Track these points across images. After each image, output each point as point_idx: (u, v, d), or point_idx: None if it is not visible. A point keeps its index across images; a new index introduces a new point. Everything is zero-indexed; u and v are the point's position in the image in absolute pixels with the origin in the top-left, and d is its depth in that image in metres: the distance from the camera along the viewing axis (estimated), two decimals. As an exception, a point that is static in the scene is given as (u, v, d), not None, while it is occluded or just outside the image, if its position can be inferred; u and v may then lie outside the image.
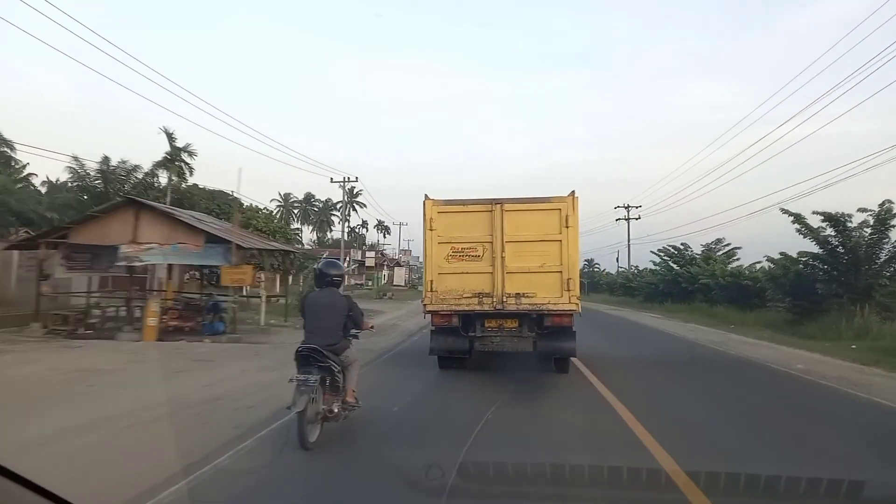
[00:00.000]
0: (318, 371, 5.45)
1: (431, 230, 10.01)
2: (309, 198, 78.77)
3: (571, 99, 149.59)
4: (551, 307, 9.71)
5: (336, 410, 5.62)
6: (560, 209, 9.80)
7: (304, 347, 5.55)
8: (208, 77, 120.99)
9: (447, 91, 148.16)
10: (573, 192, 9.88)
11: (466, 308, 9.86)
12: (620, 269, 60.70)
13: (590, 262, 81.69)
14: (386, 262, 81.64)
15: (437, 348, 10.27)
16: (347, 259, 63.28)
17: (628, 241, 55.64)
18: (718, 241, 40.32)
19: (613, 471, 4.72)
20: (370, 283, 65.50)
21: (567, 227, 9.73)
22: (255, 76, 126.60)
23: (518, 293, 9.75)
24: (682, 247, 40.81)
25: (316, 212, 79.84)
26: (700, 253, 40.15)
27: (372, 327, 6.93)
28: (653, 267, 45.94)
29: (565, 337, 10.04)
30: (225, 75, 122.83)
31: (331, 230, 78.92)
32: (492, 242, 9.87)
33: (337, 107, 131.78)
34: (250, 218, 31.03)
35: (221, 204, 31.29)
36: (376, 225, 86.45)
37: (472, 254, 9.96)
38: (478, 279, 9.87)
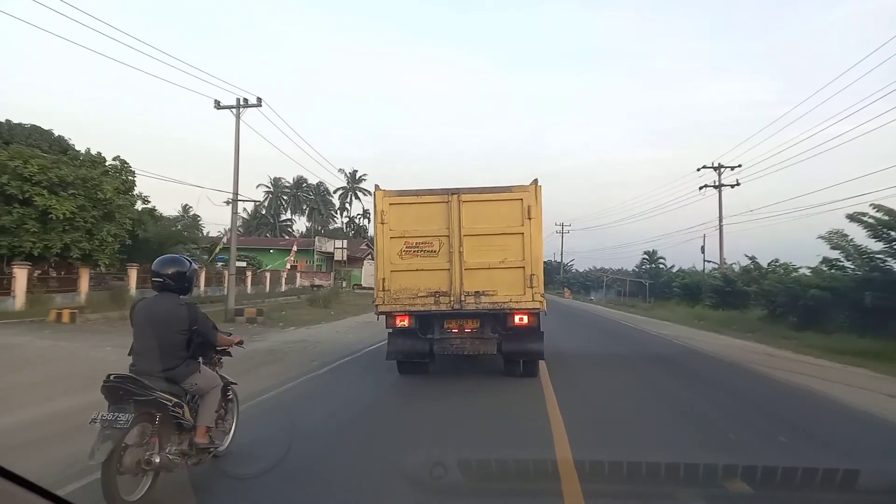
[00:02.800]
0: (136, 407, 4.07)
1: (383, 223, 9.18)
2: (300, 182, 72.16)
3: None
4: (513, 306, 8.92)
5: (160, 460, 4.16)
6: (522, 199, 8.98)
7: (113, 377, 4.12)
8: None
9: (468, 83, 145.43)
10: (536, 180, 9.05)
11: (422, 308, 9.07)
12: (710, 264, 38.49)
13: (651, 255, 64.89)
14: (371, 255, 71.17)
15: (394, 352, 9.49)
16: (315, 250, 56.05)
17: (720, 219, 35.29)
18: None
19: (501, 463, 4.88)
20: (343, 283, 51.46)
21: (530, 218, 8.92)
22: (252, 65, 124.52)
23: (477, 291, 8.95)
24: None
25: (309, 199, 73.59)
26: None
27: (240, 342, 5.36)
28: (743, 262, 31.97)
29: (531, 338, 9.28)
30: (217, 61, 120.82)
31: (327, 218, 73.73)
32: (449, 236, 9.05)
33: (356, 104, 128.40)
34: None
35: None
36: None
37: (427, 249, 9.14)
38: (434, 277, 9.07)
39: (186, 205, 54.19)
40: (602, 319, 30.41)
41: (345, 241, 56.64)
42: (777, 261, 29.04)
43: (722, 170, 35.52)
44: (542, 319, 9.39)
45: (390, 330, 9.44)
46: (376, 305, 9.21)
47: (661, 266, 62.06)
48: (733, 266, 34.84)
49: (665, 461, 4.96)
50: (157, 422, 4.21)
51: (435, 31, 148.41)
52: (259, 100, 23.55)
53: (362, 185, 72.05)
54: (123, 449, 3.93)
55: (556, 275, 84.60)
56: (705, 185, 36.18)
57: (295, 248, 50.79)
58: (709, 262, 38.31)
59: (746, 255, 29.01)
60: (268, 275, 44.46)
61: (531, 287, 8.85)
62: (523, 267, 8.92)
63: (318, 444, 5.81)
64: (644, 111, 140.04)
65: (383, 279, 9.13)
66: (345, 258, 52.87)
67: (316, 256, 58.20)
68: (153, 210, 28.61)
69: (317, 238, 60.08)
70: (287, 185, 72.82)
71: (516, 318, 9.04)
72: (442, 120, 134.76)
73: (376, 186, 9.39)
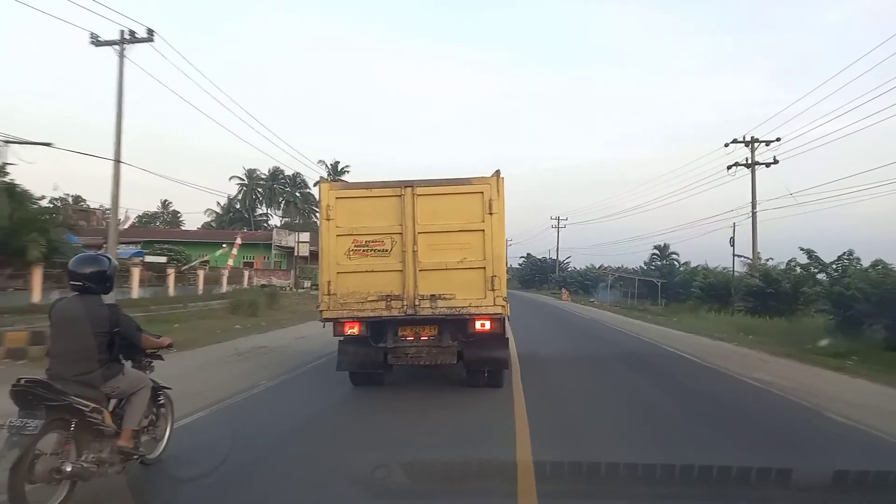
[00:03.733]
0: (49, 413, 3.86)
1: (328, 220, 8.25)
2: (277, 174, 67.52)
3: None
4: (473, 311, 8.05)
5: (71, 468, 3.90)
6: (482, 192, 8.11)
7: (24, 381, 3.90)
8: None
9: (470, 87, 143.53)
10: (498, 171, 8.18)
11: (372, 314, 8.16)
12: (742, 260, 31.17)
13: (662, 251, 55.66)
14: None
15: (344, 362, 8.60)
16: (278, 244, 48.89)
17: (753, 205, 29.72)
18: None
19: (460, 465, 4.92)
20: (306, 282, 44.83)
21: (491, 213, 8.05)
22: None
23: (433, 295, 8.06)
24: None
25: (285, 192, 69.05)
26: None
27: (169, 345, 5.12)
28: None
29: (495, 345, 8.45)
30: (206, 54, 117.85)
31: (308, 213, 67.03)
32: (402, 234, 8.15)
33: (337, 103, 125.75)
34: None
35: None
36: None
37: (378, 248, 8.23)
38: (385, 278, 8.17)
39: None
40: (614, 332, 21.51)
41: (307, 235, 48.49)
42: (851, 253, 21.05)
43: (756, 145, 29.47)
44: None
45: (340, 338, 8.57)
46: (321, 311, 8.29)
47: (674, 262, 53.67)
48: (768, 262, 29.15)
49: None
50: (72, 428, 4.00)
51: (440, 29, 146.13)
52: (150, 32, 19.59)
53: (345, 177, 64.61)
54: (36, 457, 3.76)
55: (551, 273, 79.42)
56: (735, 164, 29.86)
57: (238, 240, 41.26)
58: (739, 256, 31.04)
59: (802, 248, 22.41)
60: (201, 273, 36.89)
61: (493, 290, 7.99)
62: (484, 268, 8.05)
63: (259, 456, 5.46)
64: (646, 107, 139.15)
65: (329, 282, 8.21)
66: (307, 253, 45.15)
67: (275, 252, 50.37)
68: (13, 187, 20.28)
69: (275, 230, 52.20)
70: (263, 177, 68.71)
71: (478, 324, 8.19)
72: (439, 115, 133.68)
73: (321, 178, 8.55)
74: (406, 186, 8.19)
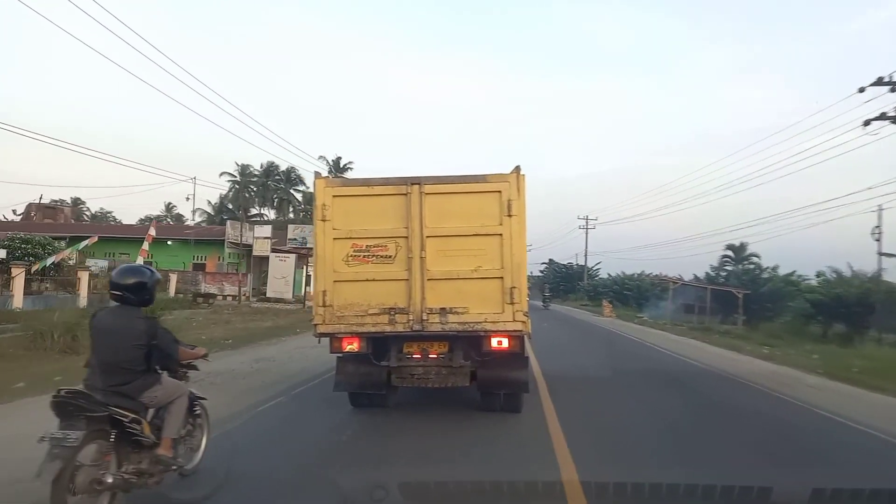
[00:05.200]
0: (89, 424, 3.88)
1: (324, 220, 7.23)
2: (271, 171, 63.32)
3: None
4: (489, 327, 7.04)
5: (112, 479, 3.98)
6: (500, 191, 7.10)
7: (64, 392, 3.94)
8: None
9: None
10: (518, 167, 7.17)
11: (373, 329, 7.16)
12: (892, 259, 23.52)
13: (738, 251, 43.93)
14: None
15: (343, 383, 7.63)
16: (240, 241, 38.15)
17: None
18: None
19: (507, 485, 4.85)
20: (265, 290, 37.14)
21: (510, 215, 7.04)
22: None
23: (443, 308, 7.06)
24: None
25: (279, 189, 64.25)
26: None
27: (205, 355, 5.10)
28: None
29: (513, 365, 7.45)
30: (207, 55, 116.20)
31: (306, 214, 60.07)
32: (407, 237, 7.14)
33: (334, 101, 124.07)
34: None
35: None
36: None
37: (380, 253, 7.22)
38: (389, 288, 7.16)
39: None
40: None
41: (269, 229, 40.97)
42: None
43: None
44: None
45: (338, 354, 7.57)
46: (315, 325, 7.29)
47: (755, 267, 41.95)
48: None
49: None
50: (111, 439, 4.07)
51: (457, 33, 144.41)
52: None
53: (348, 174, 59.18)
54: (77, 468, 3.80)
55: (579, 282, 68.58)
56: (882, 117, 18.12)
57: (151, 232, 27.40)
58: (889, 255, 22.17)
59: None
60: (83, 277, 25.93)
61: (511, 303, 6.98)
62: (501, 277, 7.04)
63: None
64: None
65: (324, 291, 7.20)
66: (267, 252, 36.88)
67: (228, 251, 39.34)
68: None
69: (229, 223, 41.17)
70: (256, 174, 64.69)
71: (494, 342, 7.20)
72: (461, 117, 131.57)
73: (316, 174, 7.49)
74: (413, 184, 7.18)
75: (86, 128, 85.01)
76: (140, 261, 28.80)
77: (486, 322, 7.02)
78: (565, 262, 78.88)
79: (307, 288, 34.63)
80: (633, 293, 50.78)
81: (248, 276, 37.56)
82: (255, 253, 37.61)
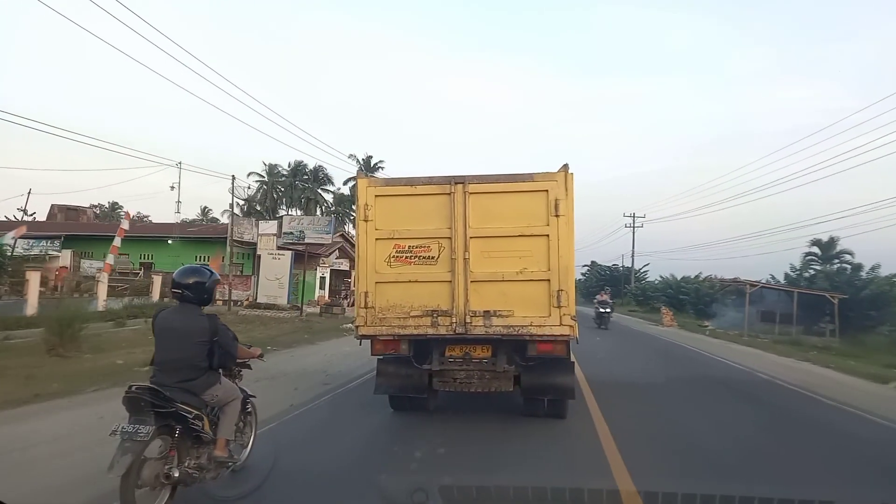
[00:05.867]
0: (156, 419, 4.06)
1: (366, 221, 7.12)
2: (299, 170, 62.20)
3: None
4: (535, 331, 6.84)
5: (179, 473, 4.12)
6: (548, 191, 6.89)
7: (135, 388, 4.14)
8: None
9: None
10: (566, 165, 6.96)
11: (415, 332, 7.02)
12: None
13: (826, 248, 39.35)
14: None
15: (384, 385, 7.53)
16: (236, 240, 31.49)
17: None
18: None
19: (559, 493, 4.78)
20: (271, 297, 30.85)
21: (557, 216, 6.83)
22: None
23: (487, 311, 6.88)
24: None
25: (307, 188, 62.68)
26: None
27: (261, 355, 5.37)
28: None
29: (559, 371, 7.25)
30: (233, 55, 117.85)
31: (341, 218, 59.15)
32: (451, 238, 6.99)
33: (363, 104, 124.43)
34: None
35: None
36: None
37: (423, 254, 7.08)
38: (431, 290, 7.02)
39: None
40: None
41: (274, 225, 35.19)
42: None
43: None
44: None
45: (379, 357, 7.46)
46: (357, 327, 7.18)
47: (848, 266, 36.30)
48: None
49: None
50: (176, 434, 4.23)
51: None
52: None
53: (379, 174, 56.36)
54: (142, 462, 3.94)
55: (626, 285, 63.35)
56: None
57: (123, 226, 25.35)
58: None
59: None
60: (33, 278, 20.11)
61: (559, 307, 6.77)
62: (548, 280, 6.83)
63: None
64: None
65: (366, 293, 7.09)
66: (273, 251, 31.63)
67: (231, 250, 32.76)
68: None
69: (233, 217, 35.22)
70: (284, 173, 63.88)
71: (541, 347, 7.00)
72: (501, 121, 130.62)
73: (359, 173, 7.39)
74: (456, 183, 7.02)
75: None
76: (111, 259, 25.49)
77: (531, 326, 6.82)
78: (609, 264, 75.36)
79: (326, 291, 33.97)
80: (691, 298, 43.93)
81: (252, 279, 32.49)
82: (259, 251, 32.41)
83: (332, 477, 5.36)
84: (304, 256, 31.27)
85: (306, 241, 31.71)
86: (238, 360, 5.09)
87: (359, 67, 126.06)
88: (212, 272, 4.84)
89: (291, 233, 32.85)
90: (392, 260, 7.08)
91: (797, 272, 39.44)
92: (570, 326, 6.80)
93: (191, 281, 4.60)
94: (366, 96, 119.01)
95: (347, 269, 38.57)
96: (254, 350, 5.29)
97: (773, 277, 40.53)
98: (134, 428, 3.94)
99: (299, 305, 28.99)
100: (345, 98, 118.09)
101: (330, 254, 37.55)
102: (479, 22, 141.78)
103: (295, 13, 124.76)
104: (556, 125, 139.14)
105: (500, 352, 7.17)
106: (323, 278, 37.27)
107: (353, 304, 30.03)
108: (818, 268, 37.99)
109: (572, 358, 7.35)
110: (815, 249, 39.20)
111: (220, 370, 4.79)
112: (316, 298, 34.11)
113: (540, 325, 6.81)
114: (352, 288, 35.41)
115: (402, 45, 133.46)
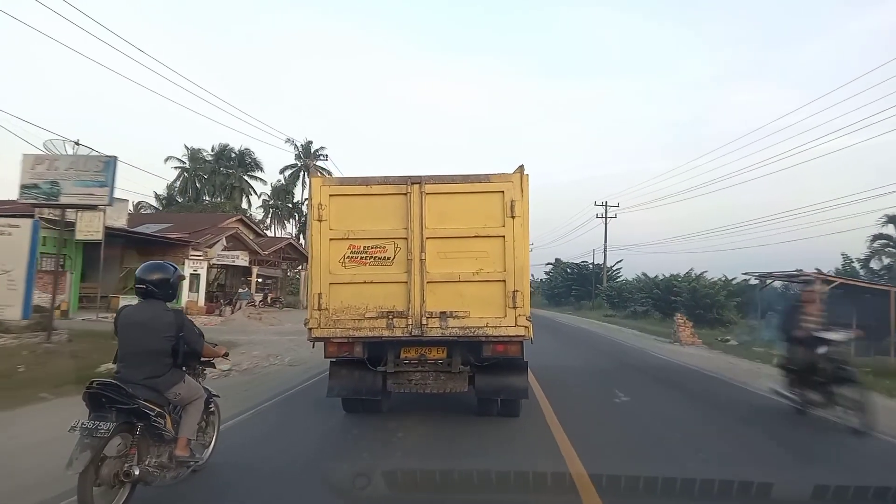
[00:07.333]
0: (118, 416, 4.00)
1: (320, 221, 6.95)
2: (223, 154, 55.29)
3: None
4: (490, 332, 6.90)
5: (139, 472, 4.04)
6: (503, 192, 6.94)
7: (97, 383, 4.05)
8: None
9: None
10: (521, 167, 7.03)
11: (370, 334, 6.93)
12: None
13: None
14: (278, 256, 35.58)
15: (336, 388, 7.37)
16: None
17: None
18: None
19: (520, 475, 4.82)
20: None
21: (513, 217, 6.89)
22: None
23: (444, 312, 6.87)
24: None
25: (231, 175, 56.31)
26: None
27: (225, 354, 5.34)
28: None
29: (513, 371, 7.32)
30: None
31: (281, 211, 53.81)
32: (407, 239, 6.93)
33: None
34: None
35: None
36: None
37: (378, 255, 6.99)
38: (387, 291, 6.94)
39: None
40: None
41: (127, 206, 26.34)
42: None
43: None
44: None
45: (332, 360, 7.33)
46: (310, 329, 7.01)
47: None
48: None
49: None
50: (137, 432, 4.16)
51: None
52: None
53: (321, 162, 49.96)
54: (101, 460, 3.88)
55: (597, 285, 55.36)
56: None
57: None
58: None
59: None
60: None
61: (514, 307, 6.86)
62: (504, 280, 6.90)
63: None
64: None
65: (319, 294, 6.93)
66: (99, 235, 20.85)
67: (44, 235, 17.46)
68: None
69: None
70: (208, 159, 57.39)
71: (495, 347, 7.07)
72: (462, 122, 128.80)
73: (312, 173, 7.22)
74: (413, 183, 6.96)
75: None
76: None
77: (487, 327, 6.87)
78: (577, 261, 64.86)
79: (202, 294, 26.68)
80: (685, 300, 32.77)
81: (68, 276, 22.76)
82: (78, 237, 21.43)
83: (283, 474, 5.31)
84: (62, 225, 17.18)
85: (61, 201, 15.58)
86: (203, 358, 5.04)
87: (315, 64, 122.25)
88: (175, 268, 4.84)
89: (36, 185, 15.42)
90: (347, 261, 6.95)
91: (861, 262, 28.52)
92: (525, 327, 6.90)
93: (155, 277, 4.60)
94: (320, 93, 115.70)
95: (247, 264, 32.94)
96: (219, 349, 5.22)
97: (817, 271, 25.85)
98: (94, 424, 3.87)
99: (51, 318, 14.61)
100: (297, 93, 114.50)
101: (214, 243, 29.69)
102: (442, 24, 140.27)
103: (256, 9, 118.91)
104: (518, 127, 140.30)
105: (456, 353, 7.19)
106: (196, 275, 28.18)
107: (239, 310, 29.66)
108: (890, 254, 27.10)
109: (525, 358, 7.45)
110: (889, 230, 27.07)
111: (184, 368, 4.74)
112: (183, 305, 24.32)
113: (496, 326, 6.88)
114: (250, 290, 34.28)
115: (362, 44, 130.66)
